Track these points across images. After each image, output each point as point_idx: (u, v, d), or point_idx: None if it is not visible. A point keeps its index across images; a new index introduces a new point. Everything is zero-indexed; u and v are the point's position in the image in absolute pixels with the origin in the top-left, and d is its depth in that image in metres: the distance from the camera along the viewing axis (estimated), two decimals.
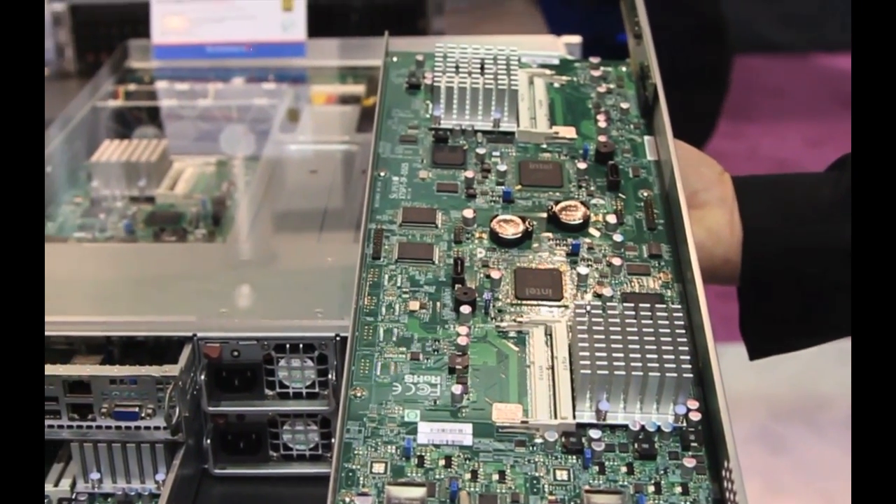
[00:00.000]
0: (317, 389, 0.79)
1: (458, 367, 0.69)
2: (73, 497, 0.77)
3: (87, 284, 0.87)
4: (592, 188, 0.82)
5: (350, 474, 0.63)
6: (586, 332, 0.67)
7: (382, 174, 0.83)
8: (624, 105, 0.90)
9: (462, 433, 0.65)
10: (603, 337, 0.66)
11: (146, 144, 1.11)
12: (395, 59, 0.96)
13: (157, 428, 0.75)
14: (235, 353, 0.78)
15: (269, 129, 1.21)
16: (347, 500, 0.62)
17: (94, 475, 0.77)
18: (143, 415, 0.75)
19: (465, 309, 0.72)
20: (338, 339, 0.77)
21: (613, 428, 0.65)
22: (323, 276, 0.85)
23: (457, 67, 0.87)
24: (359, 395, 0.67)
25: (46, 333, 0.80)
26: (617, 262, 0.75)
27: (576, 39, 1.24)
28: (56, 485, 0.78)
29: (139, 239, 1.01)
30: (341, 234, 0.99)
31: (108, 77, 1.32)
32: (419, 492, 0.62)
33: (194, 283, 0.86)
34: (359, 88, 1.30)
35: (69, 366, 0.76)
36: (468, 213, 0.78)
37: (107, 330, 0.79)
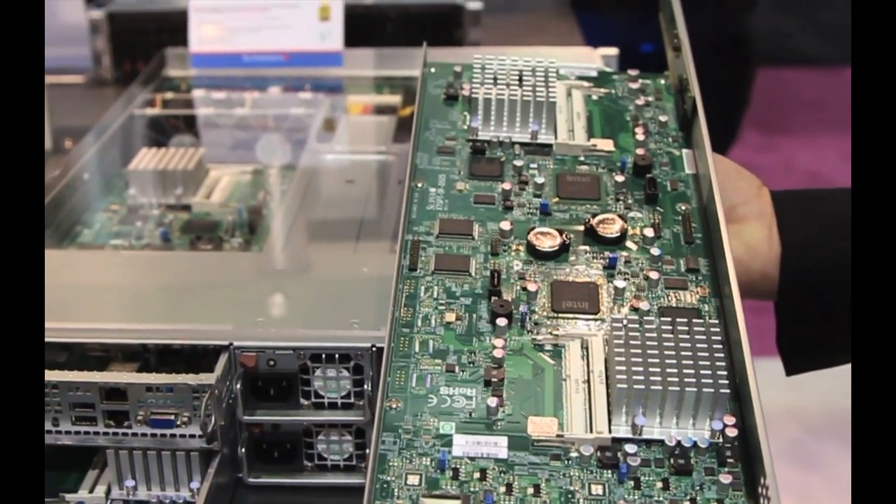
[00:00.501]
0: (352, 400, 0.79)
1: (493, 379, 0.68)
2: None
3: (123, 292, 0.88)
4: (630, 201, 0.81)
5: (385, 486, 0.63)
6: (623, 346, 0.66)
7: (420, 185, 0.83)
8: (662, 118, 0.89)
9: (497, 446, 0.65)
10: (640, 351, 0.66)
11: (183, 153, 1.11)
12: (433, 69, 0.96)
13: (192, 436, 0.75)
14: (271, 363, 0.78)
15: (305, 138, 1.21)
16: None
17: (129, 482, 0.77)
18: (178, 423, 0.75)
19: (502, 321, 0.71)
20: (374, 349, 0.77)
21: (649, 443, 0.65)
22: (359, 286, 0.85)
23: (495, 79, 0.87)
24: (394, 406, 0.67)
25: (83, 340, 0.80)
26: (654, 275, 0.74)
27: (612, 51, 1.24)
28: (91, 491, 0.78)
29: (175, 247, 1.02)
30: (377, 244, 0.99)
31: (145, 85, 1.33)
32: None
33: (230, 291, 0.86)
34: (395, 99, 1.30)
35: (106, 373, 0.76)
36: (505, 226, 0.78)
37: (143, 338, 0.80)
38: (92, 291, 0.87)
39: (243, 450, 0.80)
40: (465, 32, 1.51)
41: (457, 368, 0.69)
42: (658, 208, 0.81)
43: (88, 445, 0.77)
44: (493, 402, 0.66)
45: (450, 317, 0.73)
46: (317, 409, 0.80)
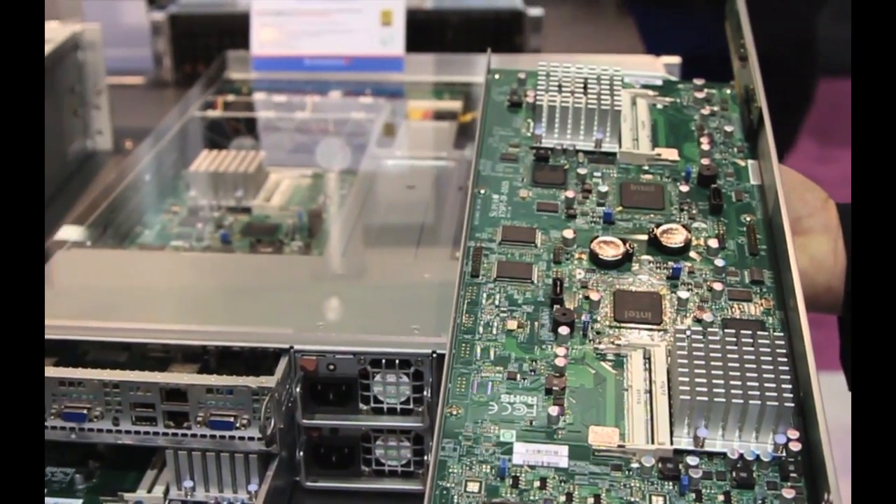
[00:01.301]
0: (411, 406, 0.79)
1: (555, 388, 0.68)
2: None
3: (183, 293, 0.88)
4: (694, 211, 0.81)
5: (444, 492, 0.63)
6: (686, 358, 0.66)
7: (482, 192, 0.83)
8: (728, 128, 0.89)
9: (558, 455, 0.64)
10: (703, 363, 0.65)
11: (243, 155, 1.12)
12: (496, 76, 0.96)
13: (251, 438, 0.76)
14: (331, 367, 0.78)
15: (364, 143, 1.21)
16: None
17: (188, 483, 0.78)
18: (238, 425, 0.75)
19: (564, 330, 0.71)
20: (434, 355, 0.77)
21: (711, 455, 0.64)
22: (419, 292, 0.85)
23: (559, 86, 0.87)
24: (455, 413, 0.67)
25: (145, 341, 0.81)
26: (718, 287, 0.74)
27: (675, 60, 1.24)
28: (149, 491, 0.78)
29: (235, 249, 1.02)
30: (438, 250, 0.99)
31: (206, 87, 1.34)
32: None
33: (290, 295, 0.87)
34: (455, 104, 1.30)
35: (167, 373, 0.77)
36: (568, 234, 0.78)
37: (204, 339, 0.80)
38: (152, 292, 0.87)
39: (301, 453, 0.80)
40: (525, 39, 1.51)
41: (518, 376, 0.69)
42: (723, 219, 0.80)
43: (147, 445, 0.77)
44: (554, 410, 0.66)
45: (511, 324, 0.72)
46: (375, 414, 0.80)
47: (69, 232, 0.97)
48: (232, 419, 0.75)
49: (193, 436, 0.76)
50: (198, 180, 1.09)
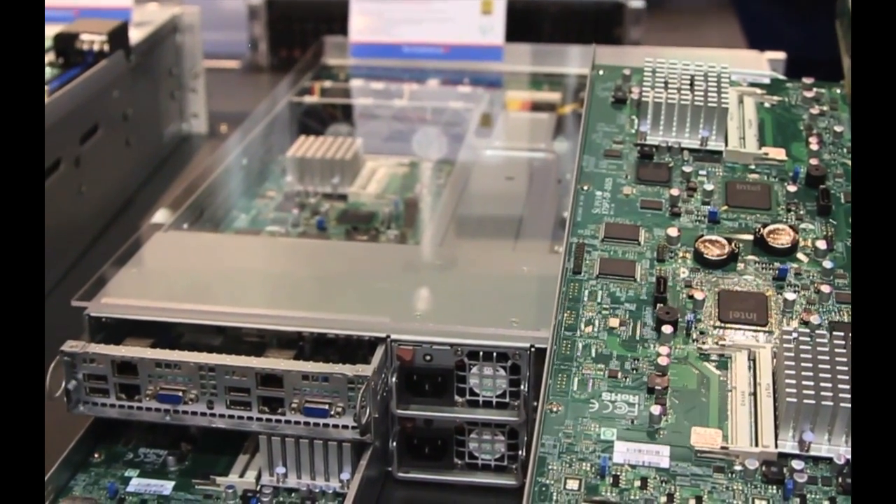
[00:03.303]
0: (507, 399, 0.78)
1: (657, 387, 0.67)
2: (258, 489, 0.77)
3: (279, 278, 0.88)
4: (802, 212, 0.80)
5: (543, 489, 0.62)
6: (793, 360, 0.65)
7: (586, 188, 0.82)
8: (838, 128, 0.87)
9: (659, 455, 0.64)
10: (810, 365, 0.64)
11: (340, 142, 1.11)
12: (601, 72, 0.95)
13: (345, 427, 0.75)
14: (428, 358, 0.78)
15: (462, 132, 1.20)
16: None
17: (280, 469, 0.77)
18: (332, 412, 0.75)
19: (667, 329, 0.70)
20: (532, 349, 0.75)
21: (817, 460, 0.63)
22: (518, 285, 0.84)
23: (665, 83, 0.86)
24: (555, 409, 0.66)
25: (242, 325, 0.80)
26: (826, 289, 0.73)
27: (780, 55, 1.22)
28: (241, 476, 0.78)
29: (331, 236, 1.02)
30: (537, 243, 0.97)
31: (302, 73, 1.34)
32: None
33: (387, 284, 0.86)
34: (554, 96, 1.29)
35: (263, 359, 0.76)
36: (672, 232, 0.77)
37: (301, 325, 0.80)
38: (248, 276, 0.87)
39: (394, 444, 0.80)
40: (625, 31, 1.50)
41: (619, 374, 0.69)
42: (831, 220, 0.79)
43: (241, 430, 0.77)
44: (656, 410, 0.65)
45: (613, 322, 0.72)
46: (471, 406, 0.79)
47: (165, 214, 0.97)
48: (327, 407, 0.75)
49: (287, 422, 0.76)
50: (295, 166, 1.09)
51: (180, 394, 0.76)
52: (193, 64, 1.38)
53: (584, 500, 0.61)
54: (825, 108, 0.91)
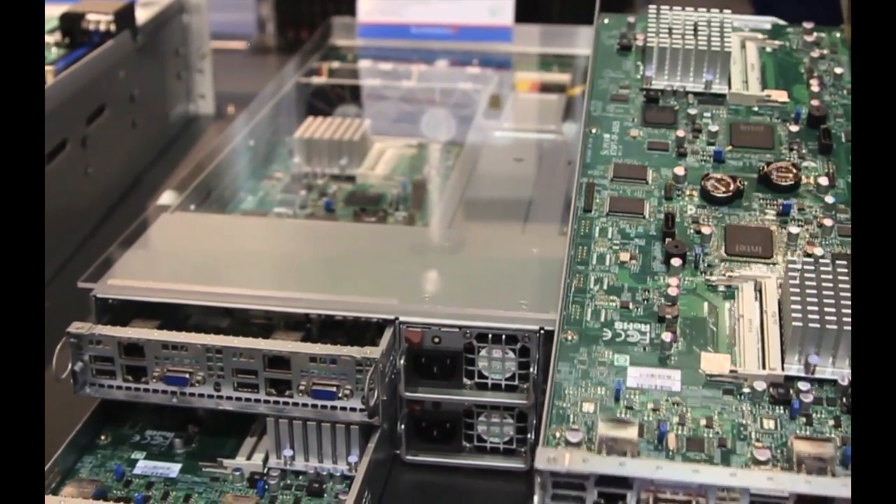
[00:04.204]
0: (516, 382, 0.78)
1: (667, 316, 0.69)
2: (266, 472, 0.77)
3: (286, 260, 0.87)
4: (804, 151, 0.82)
5: (561, 411, 0.64)
6: (798, 287, 0.67)
7: (594, 131, 0.84)
8: (838, 70, 0.90)
9: (671, 379, 0.66)
10: (815, 291, 0.66)
11: (349, 123, 1.10)
12: (606, 20, 0.98)
13: (353, 409, 0.75)
14: (436, 340, 0.77)
15: (470, 114, 1.20)
16: (558, 434, 0.62)
17: (288, 452, 0.77)
18: (340, 395, 0.74)
19: (676, 261, 0.72)
20: (542, 332, 0.75)
21: (822, 382, 0.65)
22: (528, 267, 0.84)
23: (669, 30, 0.88)
24: (570, 338, 0.68)
25: (248, 307, 0.80)
26: (828, 222, 0.75)
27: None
28: (249, 458, 0.77)
29: (338, 218, 1.01)
30: (547, 225, 0.97)
31: (310, 53, 1.33)
32: (629, 431, 0.62)
33: (395, 265, 0.85)
34: (564, 77, 1.28)
35: (270, 340, 0.76)
36: (679, 171, 0.79)
37: (309, 307, 0.79)
38: (256, 258, 0.87)
39: (402, 426, 0.79)
40: (636, 10, 1.49)
41: (631, 305, 0.71)
42: (832, 159, 0.81)
43: (249, 412, 0.76)
44: (667, 336, 0.67)
45: (624, 256, 0.74)
46: (480, 389, 0.79)
47: (172, 196, 0.96)
48: (334, 389, 0.75)
49: (295, 404, 0.76)
50: (302, 147, 1.08)
51: (187, 376, 0.76)
52: (200, 44, 1.37)
53: (601, 418, 0.63)
54: (825, 51, 0.93)
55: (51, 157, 1.03)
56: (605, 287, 0.72)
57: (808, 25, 0.96)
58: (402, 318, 0.77)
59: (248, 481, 0.76)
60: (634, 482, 0.60)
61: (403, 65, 1.31)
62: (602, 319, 0.69)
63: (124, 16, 1.17)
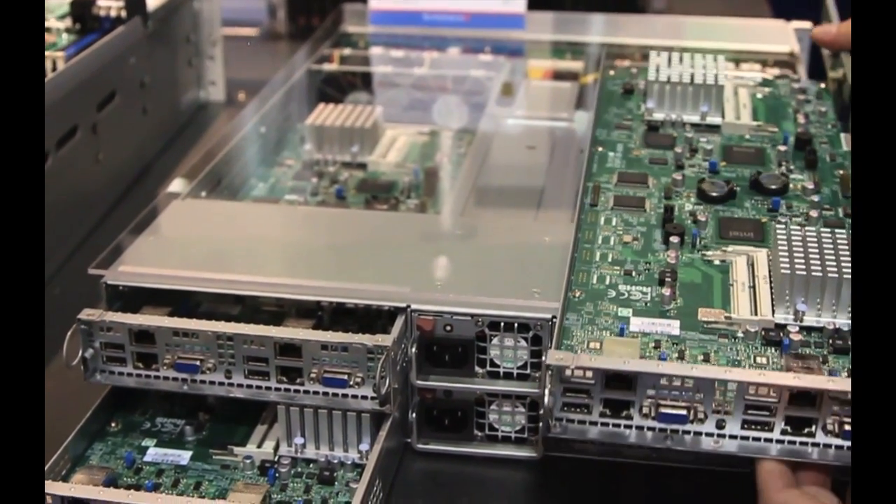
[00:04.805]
0: (528, 371, 0.77)
1: (667, 279, 0.75)
2: (276, 460, 0.76)
3: (298, 247, 0.86)
4: (792, 167, 0.90)
5: (569, 348, 0.70)
6: (786, 243, 0.73)
7: (599, 150, 0.92)
8: (822, 108, 1.00)
9: (671, 326, 0.72)
10: (801, 247, 0.73)
11: (360, 110, 1.09)
12: (611, 72, 1.10)
13: (364, 397, 0.74)
14: (448, 328, 0.77)
15: (482, 101, 1.18)
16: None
17: (299, 440, 0.76)
18: (351, 383, 0.74)
19: (675, 239, 0.79)
20: (554, 320, 0.74)
21: (810, 330, 0.71)
22: (540, 255, 0.82)
23: (668, 78, 0.97)
24: (577, 295, 0.75)
25: (260, 294, 0.80)
26: (814, 213, 0.82)
27: (806, 25, 1.21)
28: (259, 446, 0.77)
29: (350, 205, 1.00)
30: (559, 213, 0.94)
31: (321, 40, 1.32)
32: (632, 347, 0.70)
33: (407, 253, 0.84)
34: (577, 65, 1.27)
35: (282, 328, 0.75)
36: (678, 176, 0.87)
37: (320, 295, 0.79)
38: (267, 245, 0.86)
39: (414, 415, 0.79)
40: (649, 1, 1.48)
41: (633, 273, 0.77)
42: (818, 173, 0.89)
43: (260, 400, 0.76)
44: (667, 291, 0.73)
45: (627, 238, 0.81)
46: (491, 378, 0.78)
47: (183, 183, 0.95)
48: (346, 377, 0.74)
49: (306, 392, 0.75)
50: (314, 134, 1.07)
51: (198, 363, 0.75)
52: (211, 31, 1.37)
53: (606, 340, 0.70)
54: (811, 98, 1.03)
55: (61, 144, 1.02)
56: (609, 260, 0.78)
57: (794, 75, 1.09)
58: (413, 306, 0.76)
59: (258, 469, 0.76)
60: (637, 387, 0.65)
61: (415, 52, 1.29)
62: (607, 283, 0.76)
63: (135, 2, 1.16)
